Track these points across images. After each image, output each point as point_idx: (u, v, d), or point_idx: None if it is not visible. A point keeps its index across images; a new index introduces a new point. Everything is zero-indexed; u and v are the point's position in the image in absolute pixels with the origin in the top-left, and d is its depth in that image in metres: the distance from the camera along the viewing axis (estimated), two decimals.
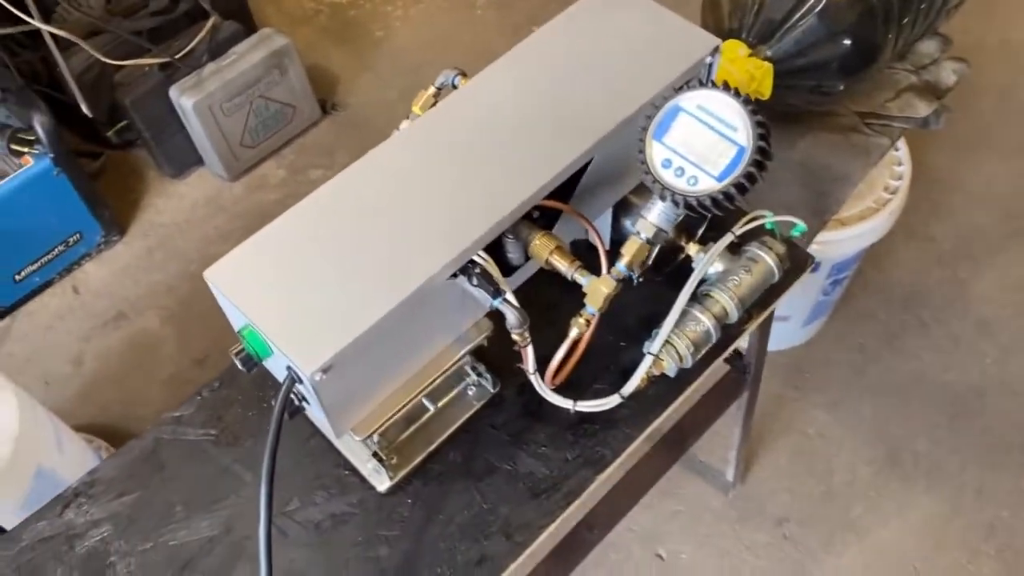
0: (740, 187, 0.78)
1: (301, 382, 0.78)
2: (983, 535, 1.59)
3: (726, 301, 1.01)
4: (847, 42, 1.21)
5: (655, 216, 0.84)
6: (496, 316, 0.87)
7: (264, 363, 0.84)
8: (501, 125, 0.90)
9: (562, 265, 0.87)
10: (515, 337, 0.87)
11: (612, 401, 0.97)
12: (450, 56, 2.36)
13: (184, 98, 2.01)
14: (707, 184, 0.79)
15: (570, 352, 0.92)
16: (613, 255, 0.89)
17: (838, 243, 1.50)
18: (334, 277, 0.81)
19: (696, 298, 1.00)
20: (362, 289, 0.80)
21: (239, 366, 0.83)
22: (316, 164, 2.19)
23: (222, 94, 2.04)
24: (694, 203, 0.80)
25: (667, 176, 0.81)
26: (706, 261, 1.00)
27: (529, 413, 1.04)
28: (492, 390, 1.03)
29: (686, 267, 1.01)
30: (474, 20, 2.45)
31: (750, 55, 1.27)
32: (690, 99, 0.80)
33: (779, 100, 1.28)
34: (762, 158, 0.78)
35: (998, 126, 2.11)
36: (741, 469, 1.63)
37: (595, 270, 0.88)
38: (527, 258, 0.95)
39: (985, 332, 1.83)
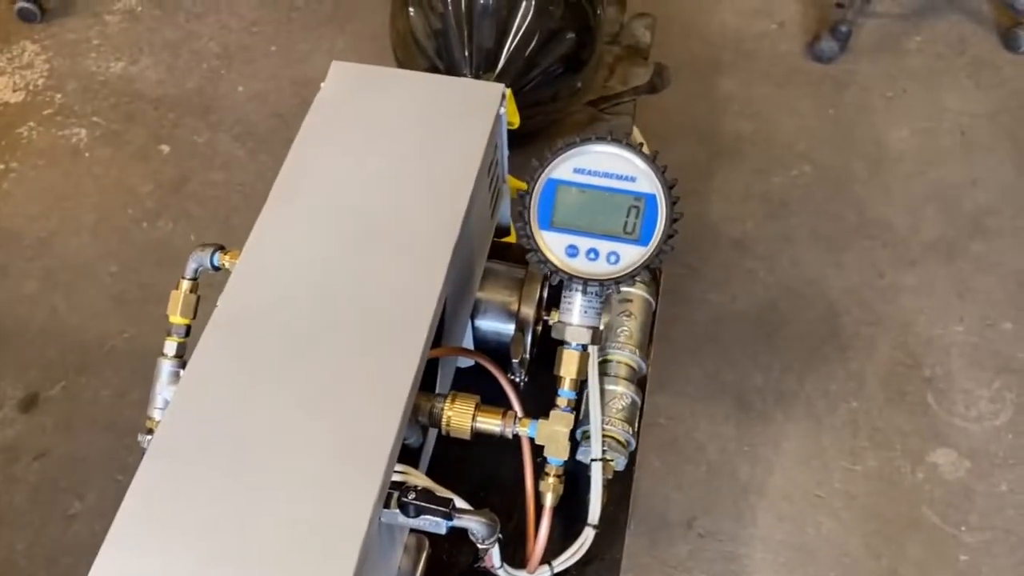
0: (670, 237, 0.62)
1: None
2: (850, 433, 1.62)
3: (629, 358, 0.87)
4: (571, 35, 1.10)
5: (580, 316, 0.65)
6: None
7: None
8: (329, 294, 0.65)
9: (494, 424, 0.66)
10: (483, 547, 0.64)
11: (587, 537, 0.78)
12: (81, 211, 1.96)
13: None
14: (633, 253, 0.62)
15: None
16: None
17: None
18: None
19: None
20: None
21: None
22: None
23: None
24: (628, 282, 0.62)
25: (580, 265, 0.63)
26: None
27: None
28: None
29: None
30: (87, 164, 2.04)
31: None
32: (563, 167, 0.63)
33: (524, 124, 1.15)
34: (677, 196, 0.63)
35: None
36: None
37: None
38: (425, 436, 0.72)
39: (743, 250, 1.88)
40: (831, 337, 1.74)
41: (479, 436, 0.67)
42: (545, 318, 0.88)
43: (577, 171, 0.62)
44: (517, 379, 0.87)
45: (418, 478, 0.60)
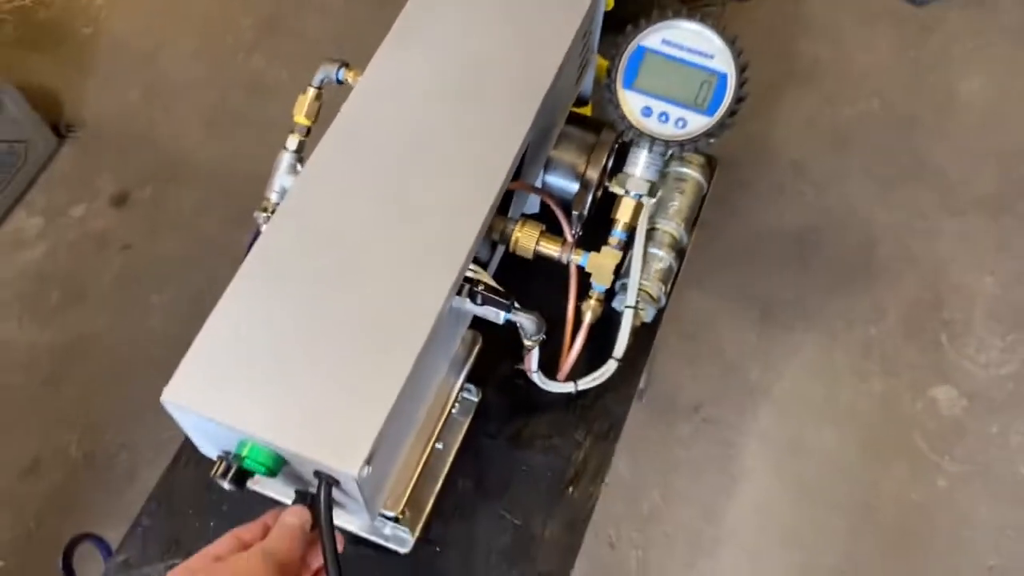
0: (733, 113, 0.73)
1: (338, 484, 0.65)
2: (862, 355, 1.73)
3: (674, 229, 0.98)
4: None
5: (643, 170, 0.77)
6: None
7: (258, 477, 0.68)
8: (434, 117, 0.77)
9: (554, 250, 0.78)
10: (528, 343, 0.78)
11: (610, 367, 0.91)
12: (184, 33, 2.08)
13: None
14: (699, 122, 0.73)
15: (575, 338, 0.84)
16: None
17: None
18: (325, 350, 0.66)
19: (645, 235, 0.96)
20: (367, 353, 0.66)
21: (228, 487, 0.67)
22: (76, 199, 1.87)
23: None
24: (690, 147, 0.73)
25: (652, 125, 0.73)
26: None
27: (520, 409, 0.95)
28: (476, 400, 0.93)
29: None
30: None
31: None
32: (653, 36, 0.73)
33: (618, 7, 1.23)
34: (746, 78, 0.73)
35: None
36: (649, 374, 1.65)
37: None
38: (492, 253, 0.85)
39: (798, 173, 1.95)
40: (863, 267, 1.83)
41: (539, 258, 0.79)
42: (606, 184, 0.99)
43: (665, 42, 0.72)
44: (575, 231, 0.98)
45: (486, 278, 0.73)
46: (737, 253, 1.85)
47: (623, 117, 0.73)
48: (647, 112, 0.73)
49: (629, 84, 0.73)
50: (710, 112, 0.72)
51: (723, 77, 0.72)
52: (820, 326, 1.76)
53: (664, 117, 0.73)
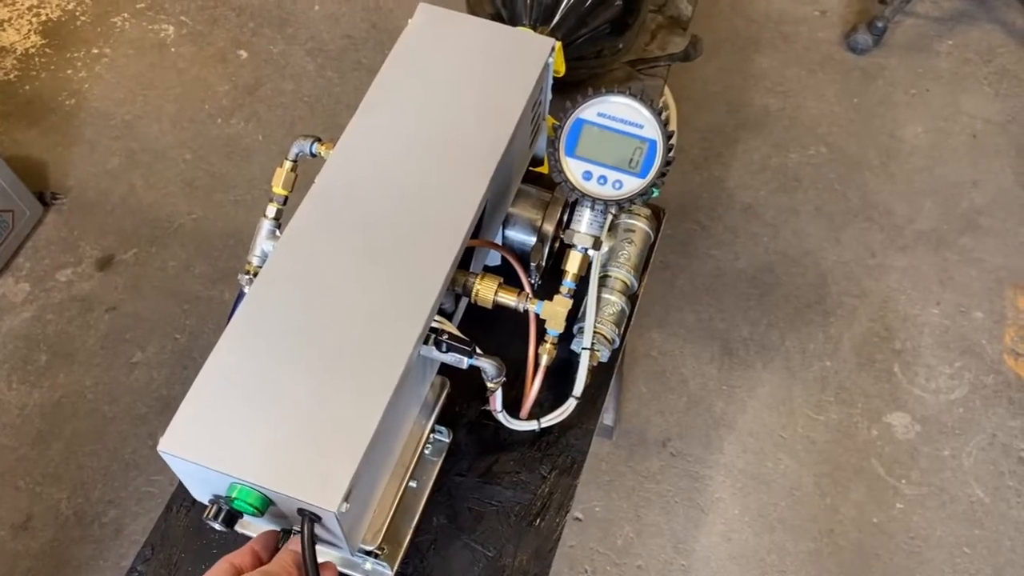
0: (663, 175, 0.82)
1: (319, 520, 0.72)
2: (819, 387, 1.82)
3: (625, 276, 1.07)
4: (618, 2, 1.28)
5: (586, 227, 0.86)
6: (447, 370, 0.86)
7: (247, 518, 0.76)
8: (400, 184, 0.86)
9: (511, 299, 0.87)
10: (491, 385, 0.86)
11: (569, 405, 0.99)
12: (163, 101, 2.17)
13: None
14: (633, 184, 0.82)
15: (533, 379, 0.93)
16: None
17: None
18: (306, 395, 0.74)
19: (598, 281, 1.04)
20: (344, 397, 0.74)
21: (219, 528, 0.74)
22: (61, 263, 1.93)
23: None
24: (626, 205, 0.82)
25: (592, 187, 0.82)
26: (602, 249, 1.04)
27: (488, 448, 1.03)
28: (447, 440, 1.01)
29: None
30: (172, 59, 2.25)
31: None
32: (589, 110, 0.82)
33: (569, 74, 1.33)
34: (672, 144, 0.82)
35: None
36: (618, 412, 1.73)
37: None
38: (456, 304, 0.93)
39: (752, 215, 2.06)
40: (817, 303, 1.93)
41: (498, 307, 0.88)
42: (561, 236, 1.08)
43: (600, 115, 0.82)
44: (532, 281, 1.07)
45: (450, 328, 0.81)
46: (697, 294, 1.94)
47: (567, 181, 0.82)
48: (587, 176, 0.82)
49: (571, 152, 0.82)
50: (642, 175, 0.81)
51: (653, 143, 0.81)
52: (778, 361, 1.86)
53: (602, 180, 0.82)
